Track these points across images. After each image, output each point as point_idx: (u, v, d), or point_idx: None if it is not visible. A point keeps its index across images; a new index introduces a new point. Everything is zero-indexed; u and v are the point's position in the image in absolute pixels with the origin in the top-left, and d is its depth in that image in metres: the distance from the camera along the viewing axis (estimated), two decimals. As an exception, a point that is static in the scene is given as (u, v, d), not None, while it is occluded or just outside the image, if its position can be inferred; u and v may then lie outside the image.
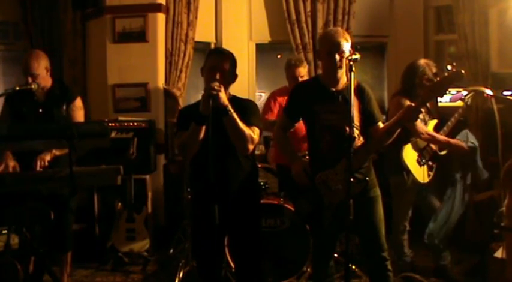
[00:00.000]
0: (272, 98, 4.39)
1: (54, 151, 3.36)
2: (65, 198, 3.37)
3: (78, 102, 3.67)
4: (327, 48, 2.82)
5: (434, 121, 3.91)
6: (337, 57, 2.76)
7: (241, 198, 2.83)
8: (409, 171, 3.74)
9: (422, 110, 2.98)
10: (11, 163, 3.35)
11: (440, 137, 3.80)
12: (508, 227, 1.22)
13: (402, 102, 3.62)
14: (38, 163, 3.30)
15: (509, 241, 1.23)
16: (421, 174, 3.80)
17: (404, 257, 3.93)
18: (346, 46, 2.76)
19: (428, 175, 3.86)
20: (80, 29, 5.23)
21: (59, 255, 3.62)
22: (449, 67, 2.75)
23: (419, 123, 3.64)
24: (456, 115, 3.89)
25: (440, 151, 3.90)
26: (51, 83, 3.60)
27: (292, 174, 2.96)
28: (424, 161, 3.80)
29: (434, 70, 3.77)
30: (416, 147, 3.81)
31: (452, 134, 3.92)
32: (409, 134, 3.71)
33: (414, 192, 3.85)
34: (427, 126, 3.83)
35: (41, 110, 3.53)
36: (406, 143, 3.75)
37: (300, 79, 4.17)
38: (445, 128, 3.87)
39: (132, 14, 4.93)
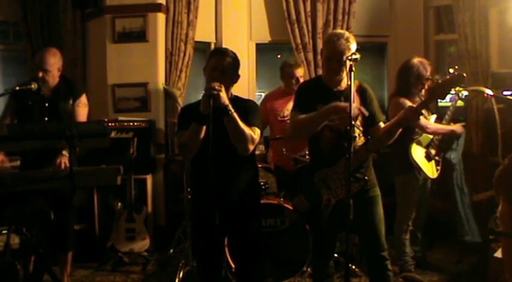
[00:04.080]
0: (263, 101, 4.44)
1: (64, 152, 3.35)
2: (66, 198, 3.35)
3: (84, 98, 3.68)
4: (328, 53, 2.83)
5: (434, 116, 3.95)
6: (336, 64, 2.77)
7: (241, 198, 2.83)
8: (419, 169, 3.76)
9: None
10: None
11: (444, 126, 3.89)
12: (504, 232, 1.21)
13: (402, 102, 3.62)
14: (63, 165, 3.29)
15: (506, 246, 1.23)
16: (430, 169, 3.85)
17: (405, 256, 3.93)
18: (348, 53, 2.71)
19: (437, 170, 3.89)
20: (80, 29, 5.22)
21: (60, 255, 3.61)
22: (451, 70, 2.76)
23: (422, 119, 3.68)
24: (449, 113, 3.94)
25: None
26: (58, 81, 3.60)
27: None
28: (431, 156, 3.83)
29: (428, 68, 3.78)
30: (422, 144, 3.84)
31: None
32: (413, 132, 3.72)
33: (421, 191, 3.87)
34: (428, 120, 3.86)
35: (47, 105, 3.52)
36: (411, 141, 3.76)
37: (301, 79, 4.17)
38: (443, 122, 3.95)
39: (132, 14, 4.92)
